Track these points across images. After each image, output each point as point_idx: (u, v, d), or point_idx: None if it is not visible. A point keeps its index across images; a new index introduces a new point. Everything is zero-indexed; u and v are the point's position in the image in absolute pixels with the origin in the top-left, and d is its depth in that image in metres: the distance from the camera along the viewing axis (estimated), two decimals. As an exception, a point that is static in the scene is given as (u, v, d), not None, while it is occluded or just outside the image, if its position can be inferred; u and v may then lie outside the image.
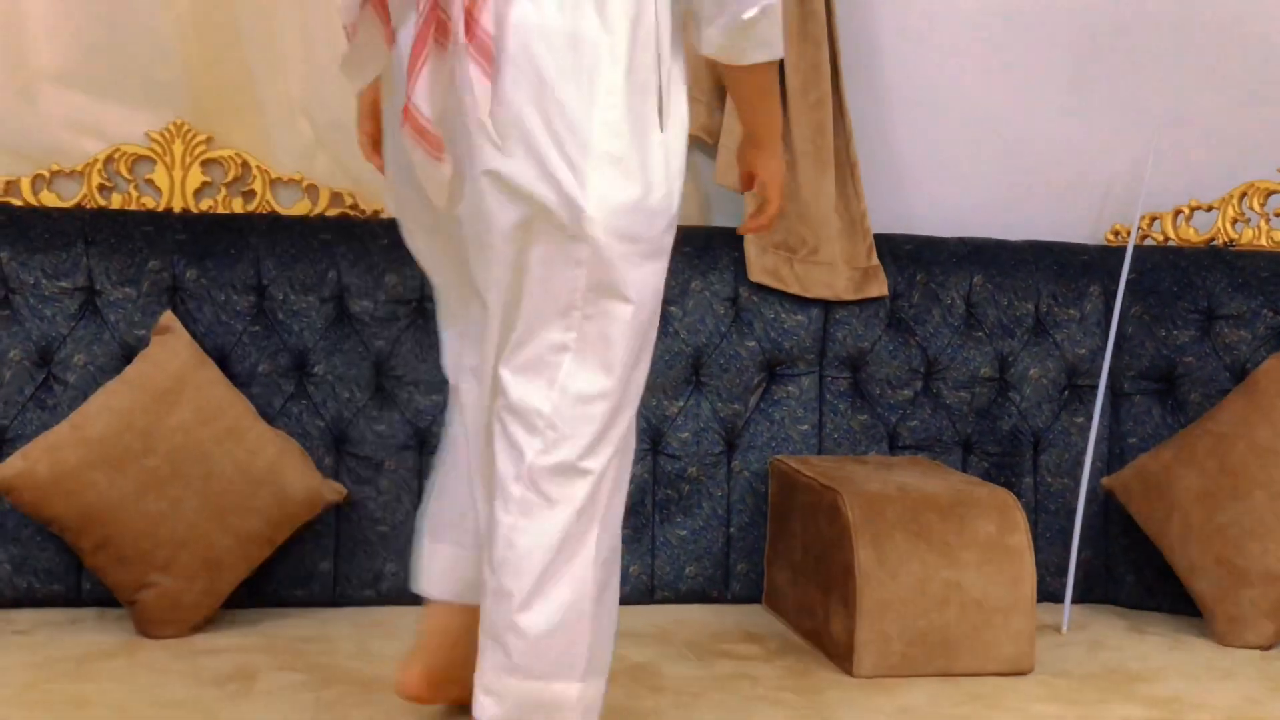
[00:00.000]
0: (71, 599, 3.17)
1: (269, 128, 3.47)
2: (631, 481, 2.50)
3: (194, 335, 3.23)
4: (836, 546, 2.97)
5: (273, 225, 3.37)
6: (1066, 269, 3.56)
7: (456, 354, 2.58)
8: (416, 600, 3.28)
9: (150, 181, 3.44)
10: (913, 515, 2.97)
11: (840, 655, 2.95)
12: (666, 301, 3.38)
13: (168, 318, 3.19)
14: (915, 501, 3.00)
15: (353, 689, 2.73)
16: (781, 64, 3.41)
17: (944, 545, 2.94)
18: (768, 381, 3.44)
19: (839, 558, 2.96)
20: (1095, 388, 3.48)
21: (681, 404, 3.41)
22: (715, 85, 3.51)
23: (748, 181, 2.63)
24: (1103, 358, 3.47)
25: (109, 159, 3.42)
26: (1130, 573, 3.46)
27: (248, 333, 3.29)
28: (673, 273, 3.27)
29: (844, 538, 2.95)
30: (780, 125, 2.60)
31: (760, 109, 2.55)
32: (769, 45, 2.39)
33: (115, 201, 3.41)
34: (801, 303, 3.45)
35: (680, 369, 3.41)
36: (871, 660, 2.90)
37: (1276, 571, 3.16)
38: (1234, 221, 3.66)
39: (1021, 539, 2.97)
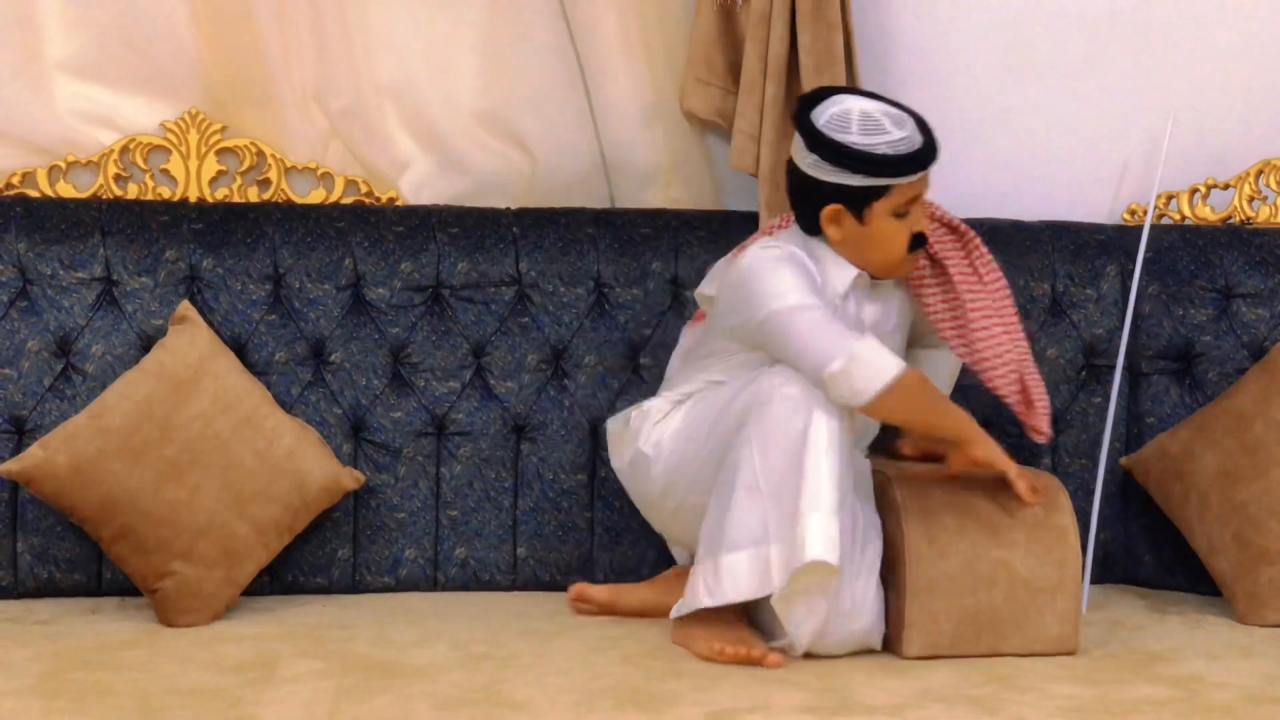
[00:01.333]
0: (92, 588, 3.19)
1: (283, 116, 3.48)
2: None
3: (211, 324, 3.24)
4: (885, 527, 2.97)
5: (288, 214, 3.37)
6: (1083, 249, 3.55)
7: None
8: (435, 586, 3.31)
9: (166, 171, 3.44)
10: (961, 496, 2.97)
11: (890, 635, 2.94)
12: (681, 285, 3.39)
13: (185, 307, 3.20)
14: (963, 482, 2.99)
15: (373, 675, 2.74)
16: (794, 46, 3.42)
17: (992, 525, 2.93)
18: (784, 365, 3.44)
19: (888, 538, 2.96)
20: (1113, 367, 3.47)
21: (698, 388, 3.41)
22: (728, 68, 3.51)
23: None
24: (1120, 337, 3.46)
25: (124, 149, 3.43)
26: (1149, 552, 3.45)
27: (264, 321, 3.29)
28: (688, 257, 3.30)
29: (893, 518, 2.95)
30: (964, 423, 2.98)
31: (926, 428, 3.00)
32: (876, 377, 2.83)
33: (131, 192, 3.42)
34: (817, 285, 3.45)
35: (697, 353, 3.41)
36: (921, 641, 2.90)
37: (1296, 550, 3.16)
38: (1251, 199, 3.65)
39: (1067, 520, 2.96)
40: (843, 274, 3.03)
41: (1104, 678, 2.82)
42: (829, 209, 2.98)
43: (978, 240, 3.11)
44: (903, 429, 3.11)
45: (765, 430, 2.85)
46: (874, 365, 2.85)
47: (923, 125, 2.98)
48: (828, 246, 3.03)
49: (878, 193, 2.94)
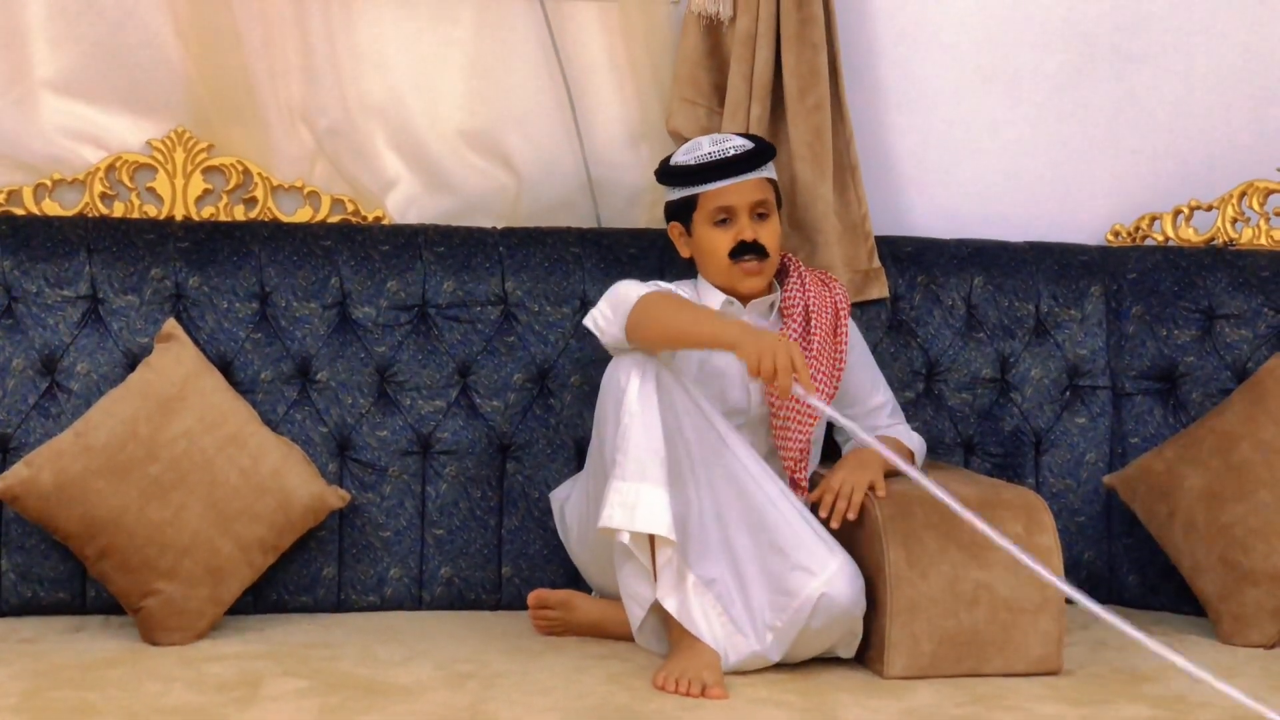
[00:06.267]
0: (76, 607, 3.18)
1: (270, 135, 3.48)
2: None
3: (197, 343, 3.24)
4: (867, 548, 2.97)
5: (274, 232, 3.38)
6: (1067, 269, 3.56)
7: None
8: (420, 605, 3.30)
9: (152, 190, 3.45)
10: (941, 516, 2.94)
11: (872, 656, 2.95)
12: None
13: (170, 325, 3.20)
14: (945, 503, 2.99)
15: (357, 694, 2.74)
16: (779, 67, 3.44)
17: (973, 546, 2.93)
18: (770, 384, 3.44)
19: (869, 558, 2.96)
20: (1096, 388, 3.49)
21: (684, 407, 3.41)
22: (713, 88, 3.52)
23: None
24: (1104, 357, 3.49)
25: (111, 168, 3.43)
26: (1133, 572, 3.46)
27: (250, 340, 3.29)
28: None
29: (874, 539, 2.95)
30: (723, 329, 2.89)
31: (687, 341, 2.95)
32: (624, 302, 2.96)
33: (117, 210, 3.42)
34: (803, 305, 3.45)
35: (682, 372, 3.41)
36: (902, 661, 2.90)
37: (1281, 570, 3.17)
38: (1234, 221, 3.66)
39: (1050, 539, 2.96)
40: (715, 298, 3.18)
41: (1088, 697, 2.82)
42: (671, 228, 3.24)
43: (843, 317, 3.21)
44: (673, 347, 3.02)
45: (601, 415, 2.99)
46: (623, 294, 2.99)
47: (755, 145, 3.15)
48: (705, 281, 3.21)
49: (692, 204, 3.16)
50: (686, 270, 3.32)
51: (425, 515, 3.31)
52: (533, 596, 3.15)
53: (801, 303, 3.16)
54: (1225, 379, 3.47)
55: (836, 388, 3.16)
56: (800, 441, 3.10)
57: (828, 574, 2.87)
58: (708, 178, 3.13)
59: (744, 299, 3.18)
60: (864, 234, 3.51)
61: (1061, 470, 3.49)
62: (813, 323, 3.14)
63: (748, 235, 3.12)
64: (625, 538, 2.86)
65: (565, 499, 3.24)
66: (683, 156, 3.17)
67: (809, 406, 3.06)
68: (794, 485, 3.10)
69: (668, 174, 3.20)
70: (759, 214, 3.14)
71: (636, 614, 2.96)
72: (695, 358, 3.12)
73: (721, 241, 3.13)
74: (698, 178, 3.14)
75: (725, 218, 3.13)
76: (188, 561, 3.03)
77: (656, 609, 2.93)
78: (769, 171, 3.18)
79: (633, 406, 2.89)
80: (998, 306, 3.53)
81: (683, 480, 2.91)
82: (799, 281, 3.19)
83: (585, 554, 3.16)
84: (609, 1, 3.55)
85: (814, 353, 3.13)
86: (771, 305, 3.20)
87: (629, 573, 2.94)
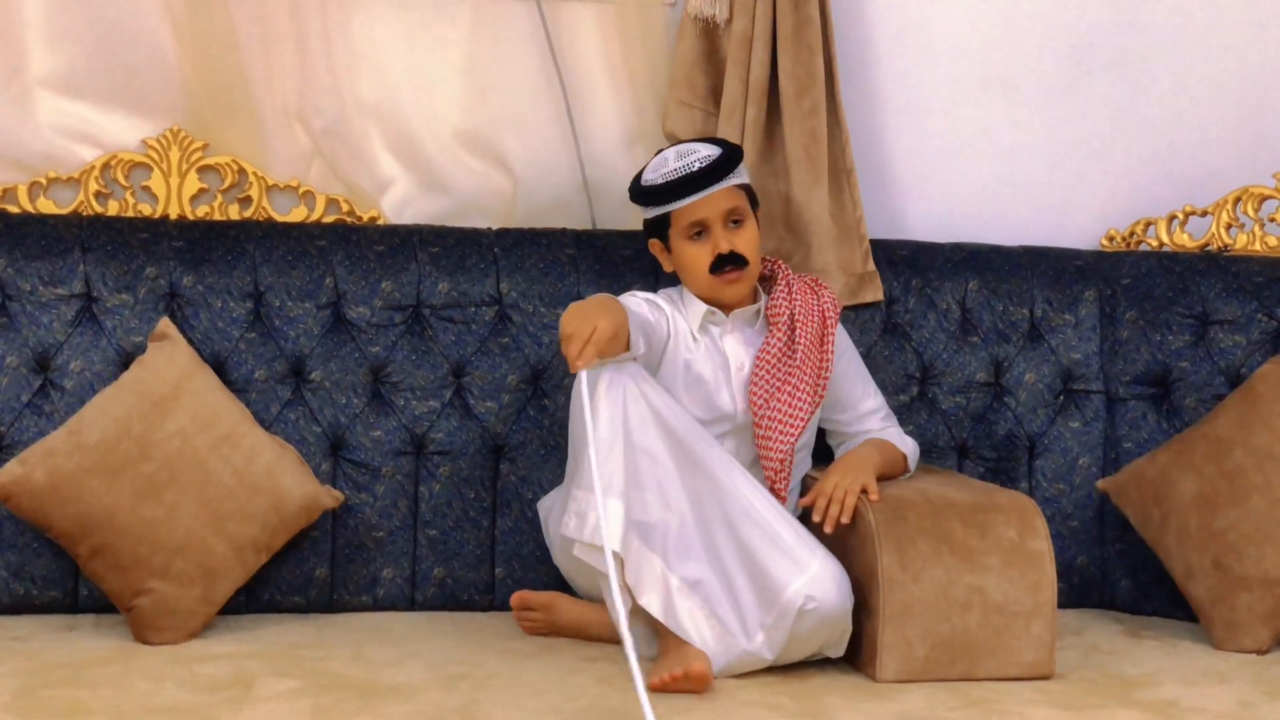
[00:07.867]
0: (68, 605, 3.18)
1: (265, 134, 3.48)
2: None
3: (191, 342, 3.24)
4: (859, 551, 2.98)
5: (269, 232, 3.37)
6: (1061, 274, 3.57)
7: None
8: (412, 606, 3.30)
9: (147, 188, 3.44)
10: (935, 520, 2.97)
11: (864, 660, 2.95)
12: (662, 307, 3.39)
13: (165, 324, 3.20)
14: (937, 507, 3.00)
15: (349, 695, 2.74)
16: (775, 70, 3.44)
17: (966, 550, 2.94)
18: (764, 387, 3.44)
19: (862, 562, 2.96)
20: (1090, 393, 3.50)
21: (678, 410, 3.41)
22: (709, 90, 3.52)
23: None
24: (1098, 362, 3.49)
25: (106, 166, 3.43)
26: (1125, 577, 3.46)
27: (244, 339, 3.29)
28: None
29: (867, 543, 2.95)
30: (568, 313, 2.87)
31: None
32: None
33: (112, 208, 3.42)
34: (797, 308, 3.45)
35: (676, 375, 3.41)
36: (895, 665, 2.90)
37: (1274, 576, 3.16)
38: (1228, 227, 3.67)
39: (1043, 544, 2.97)
40: (697, 308, 3.17)
41: (1080, 702, 2.83)
42: (651, 244, 3.24)
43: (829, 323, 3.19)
44: None
45: (571, 426, 3.03)
46: None
47: (720, 154, 3.11)
48: (689, 292, 3.20)
49: (666, 221, 3.15)
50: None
51: (418, 516, 3.31)
52: (515, 598, 3.15)
53: (787, 311, 3.16)
54: (1219, 384, 3.47)
55: (822, 395, 3.16)
56: (781, 450, 3.10)
57: (810, 573, 2.87)
58: (677, 195, 3.12)
59: (728, 308, 3.18)
60: (859, 237, 3.51)
61: (1055, 475, 3.49)
62: (797, 330, 3.14)
63: (724, 247, 3.11)
64: (578, 548, 2.88)
65: (551, 508, 3.24)
66: (650, 174, 3.15)
67: (786, 415, 3.09)
68: (774, 494, 3.09)
69: (638, 194, 3.19)
70: (733, 221, 3.14)
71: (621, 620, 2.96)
72: (680, 363, 3.12)
73: (700, 256, 3.13)
74: (666, 196, 3.13)
75: (700, 231, 3.13)
76: (180, 561, 3.03)
77: (640, 614, 2.93)
78: (740, 177, 3.16)
79: (594, 417, 2.87)
80: (992, 311, 3.53)
81: (661, 484, 2.91)
82: (786, 289, 3.19)
83: (569, 562, 3.16)
84: (605, 3, 3.56)
85: (798, 361, 3.13)
86: (757, 313, 3.20)
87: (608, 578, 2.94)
